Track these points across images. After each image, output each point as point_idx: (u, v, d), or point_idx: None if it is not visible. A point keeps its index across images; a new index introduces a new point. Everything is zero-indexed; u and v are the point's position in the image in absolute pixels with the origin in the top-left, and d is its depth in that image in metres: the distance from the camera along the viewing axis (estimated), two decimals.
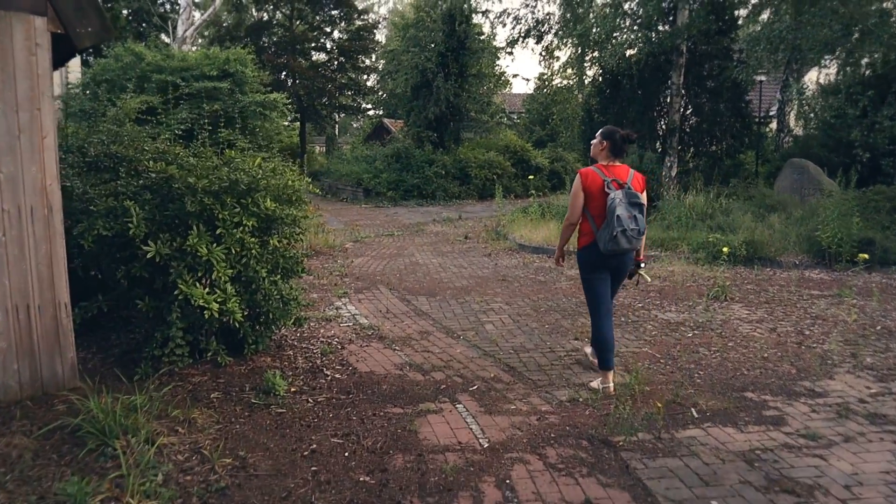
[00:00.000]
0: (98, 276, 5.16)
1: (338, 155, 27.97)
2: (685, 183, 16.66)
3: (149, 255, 4.38)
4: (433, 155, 22.00)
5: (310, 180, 18.54)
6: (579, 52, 17.06)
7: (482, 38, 24.24)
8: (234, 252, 4.64)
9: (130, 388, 4.23)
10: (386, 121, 30.51)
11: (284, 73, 27.48)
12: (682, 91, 16.12)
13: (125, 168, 5.10)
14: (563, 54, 19.87)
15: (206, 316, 4.33)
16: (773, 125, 22.30)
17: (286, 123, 26.62)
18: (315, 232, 11.29)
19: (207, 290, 4.45)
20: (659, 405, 4.10)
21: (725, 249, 7.74)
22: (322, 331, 6.14)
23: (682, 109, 16.43)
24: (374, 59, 31.52)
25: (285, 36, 28.07)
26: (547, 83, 28.95)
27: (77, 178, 5.11)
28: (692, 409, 4.22)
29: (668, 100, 16.10)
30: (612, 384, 4.52)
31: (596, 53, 16.64)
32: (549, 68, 29.09)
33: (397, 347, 5.64)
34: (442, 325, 6.42)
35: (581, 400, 4.42)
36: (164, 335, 4.55)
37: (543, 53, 19.64)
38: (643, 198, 4.26)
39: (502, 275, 9.12)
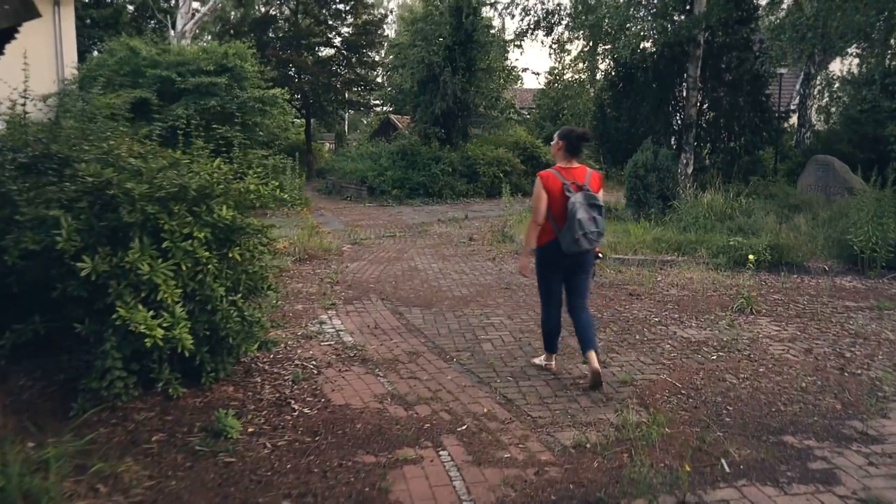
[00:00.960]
0: (37, 295, 4.53)
1: (342, 152, 27.32)
2: (702, 181, 15.90)
3: (83, 273, 3.74)
4: (440, 152, 21.31)
5: (299, 182, 17.87)
6: (591, 44, 16.31)
7: (492, 31, 23.50)
8: (185, 268, 3.99)
9: (60, 429, 3.61)
10: (393, 117, 29.84)
11: (289, 68, 26.83)
12: (700, 84, 15.34)
13: (67, 171, 4.46)
14: (574, 47, 19.15)
15: (148, 344, 3.69)
16: (792, 120, 21.45)
17: (293, 120, 26.12)
18: (309, 235, 10.64)
19: (153, 312, 3.80)
20: (687, 468, 3.37)
21: (752, 258, 7.05)
22: (300, 351, 5.49)
23: (698, 104, 15.66)
24: (382, 55, 30.84)
25: (290, 31, 27.42)
26: (557, 78, 28.18)
27: (12, 182, 4.48)
28: (722, 461, 3.52)
29: (685, 93, 15.33)
30: (553, 363, 5.01)
31: (608, 46, 15.89)
32: (559, 62, 28.33)
33: (381, 373, 4.97)
34: (435, 343, 5.75)
35: (589, 446, 3.74)
36: (104, 365, 3.91)
37: (554, 46, 18.93)
38: (601, 198, 4.45)
39: (506, 282, 8.44)
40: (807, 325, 6.30)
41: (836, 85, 16.57)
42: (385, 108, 32.38)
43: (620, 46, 13.10)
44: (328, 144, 41.29)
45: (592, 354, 4.54)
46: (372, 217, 16.99)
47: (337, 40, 28.84)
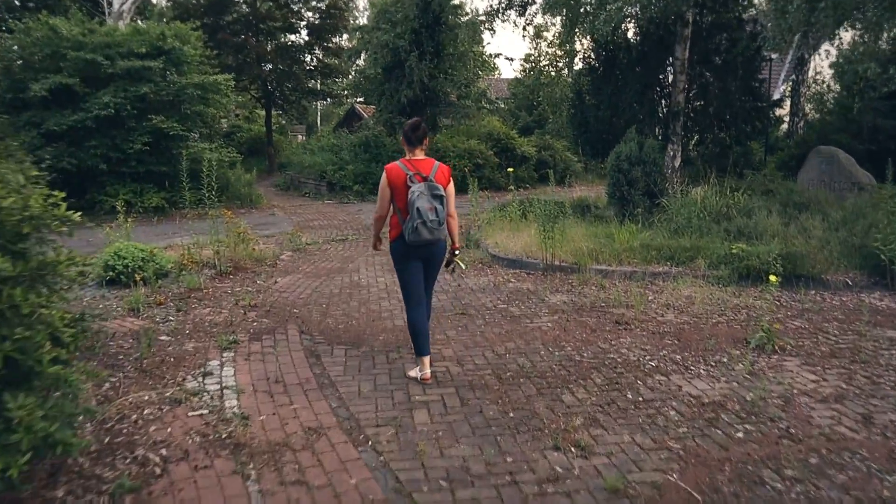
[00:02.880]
0: None
1: (302, 144, 25.53)
2: (691, 175, 14.46)
3: None
4: None
5: (249, 177, 16.08)
6: (568, 24, 14.71)
7: (462, 14, 21.85)
8: None
9: None
10: (358, 106, 28.11)
11: (247, 55, 24.93)
12: (687, 68, 13.84)
13: None
14: (550, 32, 17.61)
15: None
16: (780, 110, 20.04)
17: (233, 109, 24.13)
18: (236, 243, 8.97)
19: None
20: None
21: (774, 280, 5.54)
22: (155, 427, 3.85)
23: (686, 89, 14.15)
24: (346, 40, 29.03)
25: (249, 14, 25.50)
26: (534, 64, 26.61)
27: None
28: None
29: (672, 78, 13.81)
30: (428, 370, 4.65)
31: (587, 24, 14.31)
32: (535, 48, 26.76)
33: (253, 472, 3.35)
34: (349, 411, 4.14)
35: None
36: None
37: (528, 29, 17.33)
38: (445, 190, 4.43)
39: (464, 303, 6.86)
40: (850, 370, 4.78)
41: (849, 63, 14.97)
42: (352, 98, 30.59)
43: (601, 23, 11.56)
44: (300, 137, 39.42)
45: (427, 360, 4.66)
46: (327, 216, 15.32)
47: (301, 25, 26.99)
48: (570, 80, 25.86)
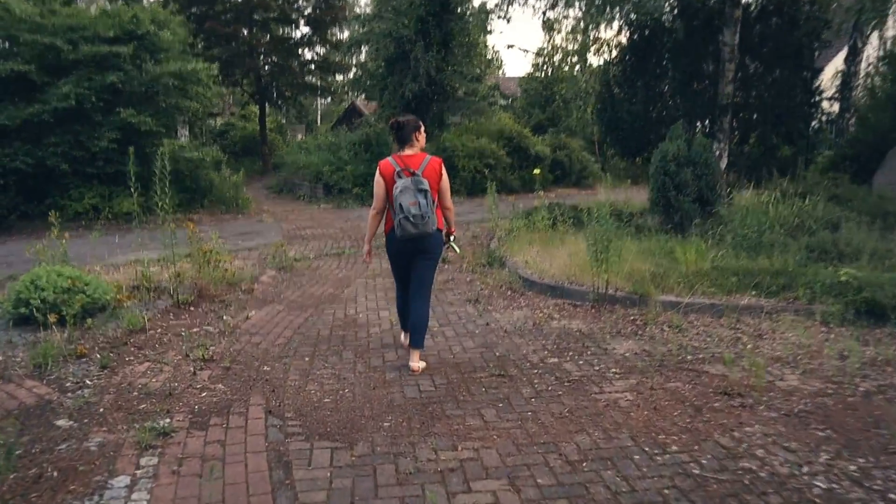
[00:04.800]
0: None
1: (298, 143, 23.70)
2: (734, 177, 12.65)
3: None
4: None
5: (236, 179, 14.24)
6: (602, 3, 12.80)
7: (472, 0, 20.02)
8: None
9: None
10: (359, 102, 26.24)
11: (239, 46, 23.06)
12: (737, 55, 12.00)
13: None
14: (565, 23, 15.78)
15: None
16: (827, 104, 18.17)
17: (222, 103, 22.22)
18: (201, 264, 7.10)
19: None
20: None
21: None
22: None
23: (734, 79, 12.30)
24: (347, 32, 27.16)
25: (240, 3, 23.59)
26: (548, 57, 24.76)
27: None
28: None
29: (721, 66, 11.96)
30: (417, 364, 4.67)
31: (623, 6, 12.42)
32: (549, 41, 24.93)
33: None
34: None
35: None
36: None
37: (547, 13, 15.50)
38: (435, 184, 4.48)
39: (498, 355, 5.01)
40: None
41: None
42: (353, 93, 28.70)
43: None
44: (300, 136, 37.49)
45: (416, 354, 4.71)
46: (323, 224, 13.48)
47: (297, 16, 25.10)
48: (585, 73, 24.05)
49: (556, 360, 4.90)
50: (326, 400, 4.16)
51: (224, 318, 6.13)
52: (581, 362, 4.84)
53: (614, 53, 15.19)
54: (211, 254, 7.08)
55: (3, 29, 12.13)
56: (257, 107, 26.35)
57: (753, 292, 6.35)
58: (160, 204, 6.64)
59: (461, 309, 6.40)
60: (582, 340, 5.35)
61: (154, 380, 4.49)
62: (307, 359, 4.97)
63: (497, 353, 5.05)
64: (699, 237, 8.43)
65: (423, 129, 4.68)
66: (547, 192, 18.95)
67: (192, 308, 6.46)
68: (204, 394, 4.25)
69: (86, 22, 12.56)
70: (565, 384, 4.41)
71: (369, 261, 5.02)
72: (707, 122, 12.75)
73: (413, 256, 4.65)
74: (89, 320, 5.62)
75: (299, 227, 12.94)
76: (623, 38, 13.86)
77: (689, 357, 4.92)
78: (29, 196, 12.69)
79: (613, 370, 4.66)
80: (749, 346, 5.17)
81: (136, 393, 4.25)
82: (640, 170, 22.69)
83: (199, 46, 20.30)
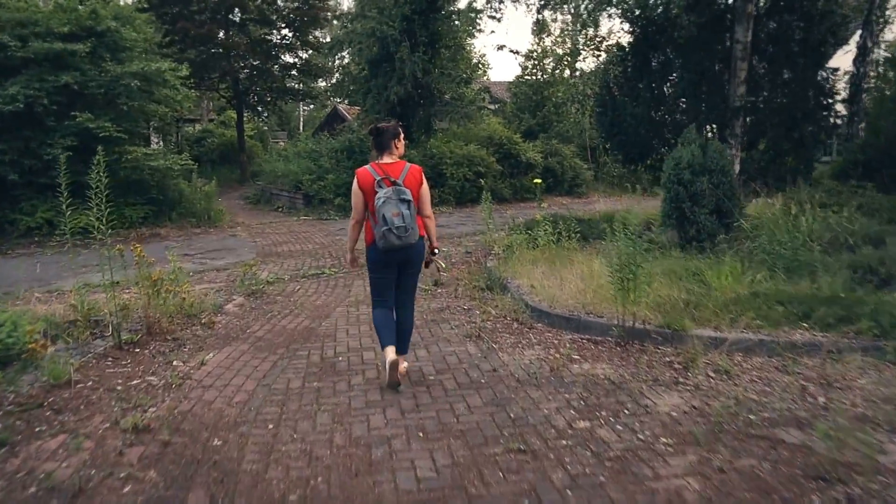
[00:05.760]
0: None
1: (276, 150, 22.57)
2: (748, 184, 11.74)
3: None
4: None
5: (208, 189, 13.11)
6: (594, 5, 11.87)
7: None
8: None
9: None
10: (341, 107, 25.12)
11: (214, 48, 21.92)
12: (750, 54, 11.09)
13: None
14: (568, 10, 14.84)
15: None
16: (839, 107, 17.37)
17: (197, 108, 20.87)
18: (150, 293, 5.97)
19: None
20: None
21: None
22: None
23: (746, 80, 11.38)
24: (327, 32, 26.10)
25: (215, 3, 22.43)
26: (539, 60, 23.82)
27: None
28: None
29: (733, 65, 11.04)
30: (394, 356, 4.38)
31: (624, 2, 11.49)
32: (540, 43, 23.98)
33: None
34: None
35: None
36: None
37: (541, 10, 14.53)
38: (416, 192, 4.35)
39: (514, 417, 3.97)
40: None
41: None
42: (334, 98, 27.58)
43: None
44: (282, 143, 36.27)
45: (402, 358, 4.56)
46: (301, 238, 12.39)
47: (276, 17, 23.97)
48: (582, 74, 23.15)
49: (587, 423, 3.87)
50: (292, 497, 3.09)
51: (174, 362, 5.04)
52: (619, 427, 3.81)
53: (614, 53, 14.23)
54: (162, 283, 5.95)
55: None
56: (235, 112, 25.18)
57: (805, 325, 5.36)
58: (98, 221, 5.53)
59: (461, 348, 5.34)
60: (614, 393, 4.31)
61: (65, 464, 3.40)
62: (271, 426, 3.89)
63: (512, 415, 4.00)
64: (725, 255, 7.45)
65: (402, 136, 4.54)
66: (537, 200, 18.00)
67: (137, 349, 5.36)
68: (127, 488, 3.17)
69: (38, 17, 11.40)
70: (606, 464, 3.37)
71: (355, 268, 4.95)
72: (716, 125, 11.81)
73: (396, 267, 4.52)
74: None
75: (275, 243, 11.84)
76: (623, 38, 12.93)
77: (752, 417, 3.91)
78: None
79: (663, 440, 3.63)
80: (821, 400, 4.17)
81: (34, 488, 3.16)
82: (635, 177, 21.85)
83: (173, 48, 19.09)
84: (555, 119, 22.78)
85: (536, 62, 23.90)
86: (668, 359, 4.92)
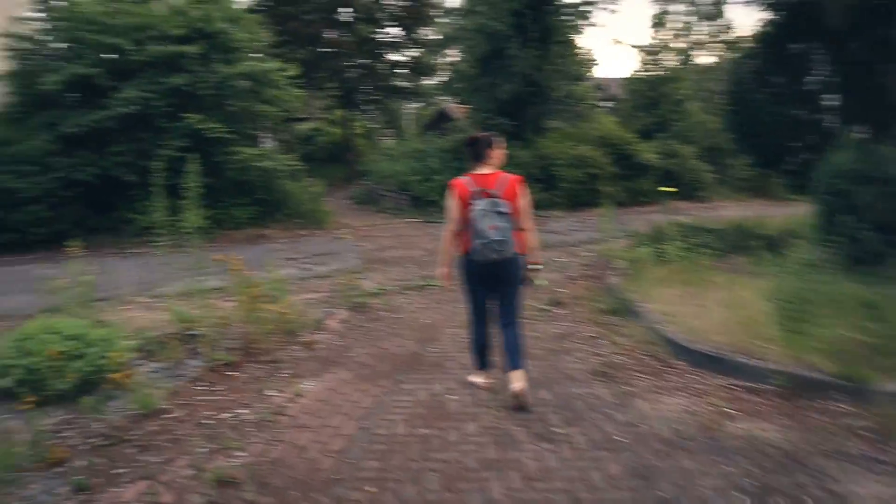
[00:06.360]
0: None
1: (383, 149, 22.37)
2: None
3: None
4: (507, 149, 16.05)
5: (316, 188, 12.81)
6: None
7: None
8: None
9: None
10: (450, 106, 24.66)
11: (321, 46, 22.00)
12: None
13: None
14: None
15: None
16: None
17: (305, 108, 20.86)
18: (248, 308, 5.56)
19: None
20: None
21: None
22: None
23: None
24: (436, 30, 25.69)
25: (324, 3, 22.48)
26: (658, 54, 22.45)
27: None
28: None
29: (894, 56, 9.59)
30: (485, 380, 4.53)
31: None
32: (659, 36, 22.60)
33: None
34: None
35: None
36: None
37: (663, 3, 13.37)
38: (510, 206, 4.17)
39: (663, 496, 3.19)
40: None
41: None
42: (443, 98, 27.18)
43: None
44: (390, 142, 36.32)
45: (518, 374, 4.25)
46: (407, 243, 11.94)
47: (385, 15, 23.82)
48: (708, 69, 21.63)
49: None
50: None
51: (266, 392, 4.57)
52: None
53: (747, 45, 12.92)
54: (261, 299, 5.54)
55: (69, 31, 11.22)
56: (343, 111, 25.27)
57: None
58: (187, 223, 5.27)
59: (588, 390, 4.59)
60: (789, 470, 3.44)
61: None
62: (369, 487, 3.31)
63: (661, 492, 3.23)
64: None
65: (501, 145, 4.43)
66: (655, 205, 16.84)
67: (232, 373, 4.95)
68: None
69: (154, 21, 11.50)
70: None
71: (449, 284, 4.66)
72: (873, 126, 10.35)
73: (493, 283, 4.36)
74: (84, 399, 4.17)
75: (381, 248, 11.44)
76: (745, 29, 11.59)
77: None
78: (96, 208, 11.77)
79: None
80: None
81: None
82: (765, 181, 20.15)
83: (284, 49, 19.22)
84: (674, 118, 21.37)
85: (654, 57, 22.53)
86: (852, 422, 3.97)
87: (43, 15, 11.73)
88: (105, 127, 10.93)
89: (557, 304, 6.97)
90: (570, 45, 18.94)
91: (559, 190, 16.43)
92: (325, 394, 4.56)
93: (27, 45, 11.79)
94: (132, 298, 7.41)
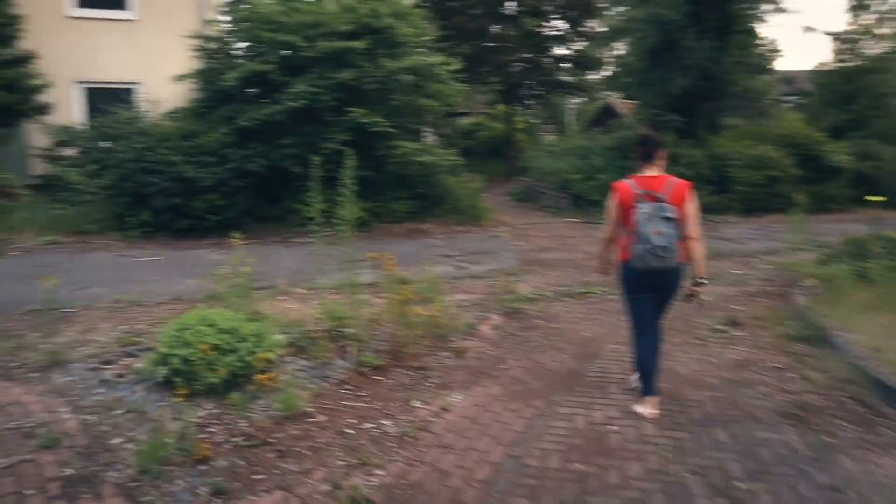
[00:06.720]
0: None
1: (544, 146, 21.80)
2: None
3: None
4: (676, 148, 14.97)
5: (475, 184, 12.54)
6: None
7: None
8: None
9: None
10: (615, 101, 23.63)
11: (485, 41, 21.85)
12: None
13: None
14: None
15: None
16: None
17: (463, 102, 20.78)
18: (400, 307, 5.35)
19: None
20: None
21: None
22: None
23: None
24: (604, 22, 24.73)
25: None
26: (856, 40, 20.08)
27: None
28: None
29: None
30: (656, 410, 4.10)
31: None
32: (858, 22, 20.18)
33: None
34: None
35: None
36: None
37: None
38: (678, 212, 3.91)
39: None
40: None
41: None
42: (608, 92, 26.14)
43: None
44: (550, 137, 35.75)
45: (655, 400, 4.14)
46: (567, 245, 11.41)
47: (550, 8, 23.24)
48: None
49: None
50: None
51: (412, 403, 4.31)
52: None
53: None
54: (413, 301, 5.30)
55: (249, 31, 11.78)
56: (505, 106, 25.02)
57: None
58: (343, 215, 5.21)
59: (777, 435, 3.88)
60: None
61: None
62: None
63: None
64: None
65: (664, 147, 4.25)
66: (846, 213, 15.01)
67: (378, 377, 4.75)
68: None
69: (325, 18, 11.76)
70: None
71: (606, 274, 4.53)
72: None
73: (651, 292, 4.16)
74: (232, 394, 4.12)
75: (538, 248, 11.00)
76: None
77: None
78: (265, 198, 12.31)
79: None
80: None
81: None
82: None
83: (448, 44, 19.27)
84: (873, 114, 19.01)
85: (852, 45, 20.13)
86: None
87: (228, 17, 12.37)
88: (276, 120, 11.33)
89: (735, 323, 6.17)
90: (752, 34, 17.36)
91: (733, 193, 15.10)
92: (473, 410, 4.22)
93: (214, 45, 12.50)
94: (289, 289, 7.53)
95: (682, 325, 6.05)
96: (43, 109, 12.79)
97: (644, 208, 3.93)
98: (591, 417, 4.12)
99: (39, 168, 13.12)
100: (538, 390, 4.58)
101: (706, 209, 14.44)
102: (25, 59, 12.80)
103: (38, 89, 12.66)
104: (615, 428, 3.97)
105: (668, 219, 3.90)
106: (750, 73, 16.43)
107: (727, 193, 15.02)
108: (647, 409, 4.13)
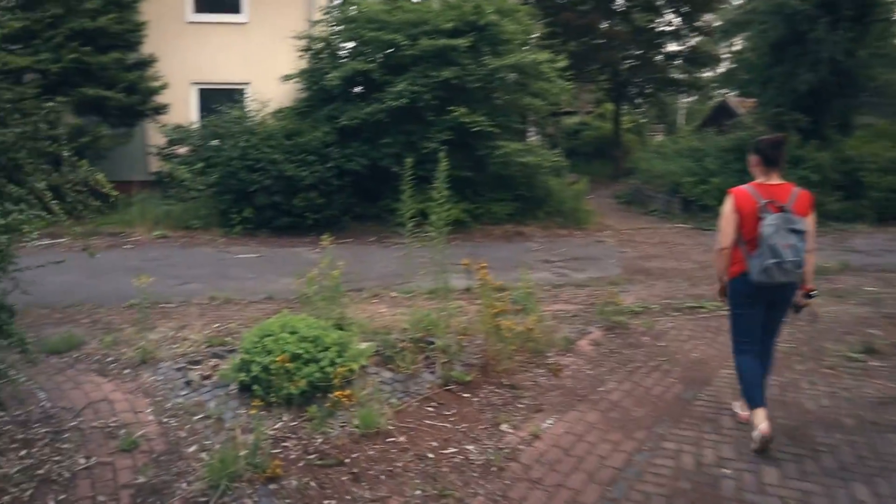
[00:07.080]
0: None
1: (655, 146, 20.80)
2: None
3: None
4: (800, 150, 13.84)
5: (579, 186, 11.91)
6: None
7: None
8: None
9: None
10: (732, 100, 22.25)
11: (593, 37, 21.12)
12: None
13: None
14: None
15: None
16: None
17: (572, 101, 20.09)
18: (493, 319, 5.00)
19: None
20: None
21: None
22: None
23: None
24: (721, 16, 23.36)
25: None
26: None
27: None
28: None
29: None
30: (765, 423, 3.62)
31: None
32: None
33: None
34: None
35: None
36: None
37: None
38: (805, 223, 3.64)
39: None
40: None
41: None
42: (724, 89, 24.72)
43: None
44: (659, 137, 34.40)
45: (761, 413, 3.68)
46: (676, 252, 10.71)
47: (663, 2, 22.21)
48: None
49: None
50: None
51: (503, 427, 3.96)
52: None
53: None
54: (501, 306, 4.93)
55: (354, 30, 11.79)
56: (613, 105, 24.14)
57: None
58: (437, 218, 4.96)
59: None
60: None
61: None
62: None
63: None
64: None
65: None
66: None
67: (466, 394, 4.43)
68: None
69: (428, 16, 11.59)
70: None
71: (724, 300, 4.07)
72: None
73: (763, 307, 3.87)
74: (311, 408, 3.91)
75: (645, 256, 10.36)
76: None
77: None
78: (364, 197, 12.30)
79: None
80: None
81: None
82: None
83: (555, 40, 18.74)
84: None
85: None
86: None
87: (333, 17, 12.43)
88: (377, 119, 11.27)
89: (872, 351, 5.42)
90: (893, 23, 15.83)
91: (866, 200, 13.79)
92: (567, 439, 3.82)
93: (319, 45, 12.61)
94: (381, 291, 7.36)
95: (809, 350, 5.39)
96: (160, 110, 13.31)
97: (770, 219, 3.60)
98: (702, 457, 3.63)
99: (156, 165, 13.71)
100: (640, 419, 4.12)
101: (834, 217, 13.39)
102: (147, 62, 13.37)
103: (156, 91, 13.19)
104: (729, 472, 3.46)
105: (797, 231, 3.62)
106: (890, 66, 14.96)
107: (858, 199, 13.73)
108: (758, 420, 3.66)
